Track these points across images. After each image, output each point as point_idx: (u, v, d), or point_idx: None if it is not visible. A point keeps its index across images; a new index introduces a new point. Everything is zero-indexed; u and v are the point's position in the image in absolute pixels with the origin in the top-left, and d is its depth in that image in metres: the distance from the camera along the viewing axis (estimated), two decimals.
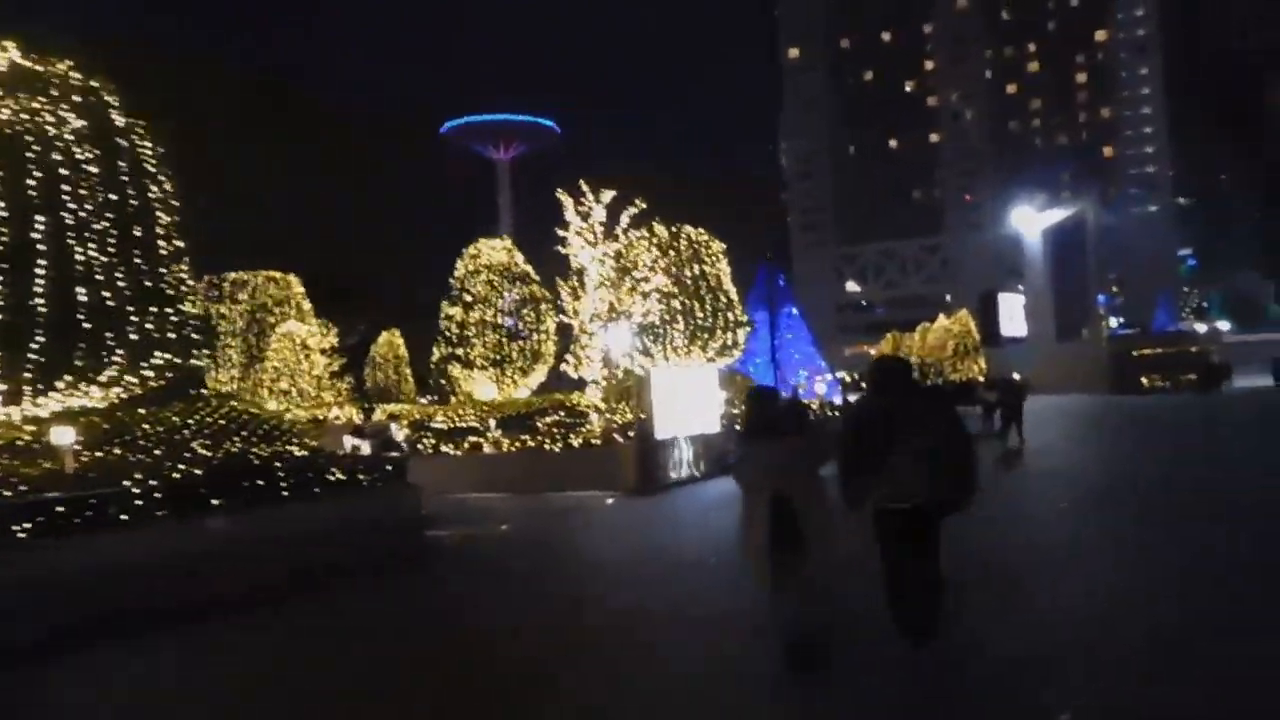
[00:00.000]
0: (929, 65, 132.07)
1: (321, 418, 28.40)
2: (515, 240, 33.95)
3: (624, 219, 23.37)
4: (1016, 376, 34.93)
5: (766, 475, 5.96)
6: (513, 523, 15.67)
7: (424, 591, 10.53)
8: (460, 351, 31.33)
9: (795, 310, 47.53)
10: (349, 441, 15.57)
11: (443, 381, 31.11)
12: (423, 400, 32.43)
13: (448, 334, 31.48)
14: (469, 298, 31.82)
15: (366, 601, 9.94)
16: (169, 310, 13.15)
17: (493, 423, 20.96)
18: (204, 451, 11.79)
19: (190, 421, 12.71)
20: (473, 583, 10.99)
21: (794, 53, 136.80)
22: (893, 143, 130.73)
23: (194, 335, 13.96)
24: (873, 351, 74.58)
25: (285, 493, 11.39)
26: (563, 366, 25.87)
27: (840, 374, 77.44)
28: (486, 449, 20.41)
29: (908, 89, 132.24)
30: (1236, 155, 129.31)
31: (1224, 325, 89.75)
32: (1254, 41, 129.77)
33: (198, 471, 10.92)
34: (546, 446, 19.55)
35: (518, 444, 20.01)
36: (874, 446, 5.69)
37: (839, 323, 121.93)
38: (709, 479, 19.55)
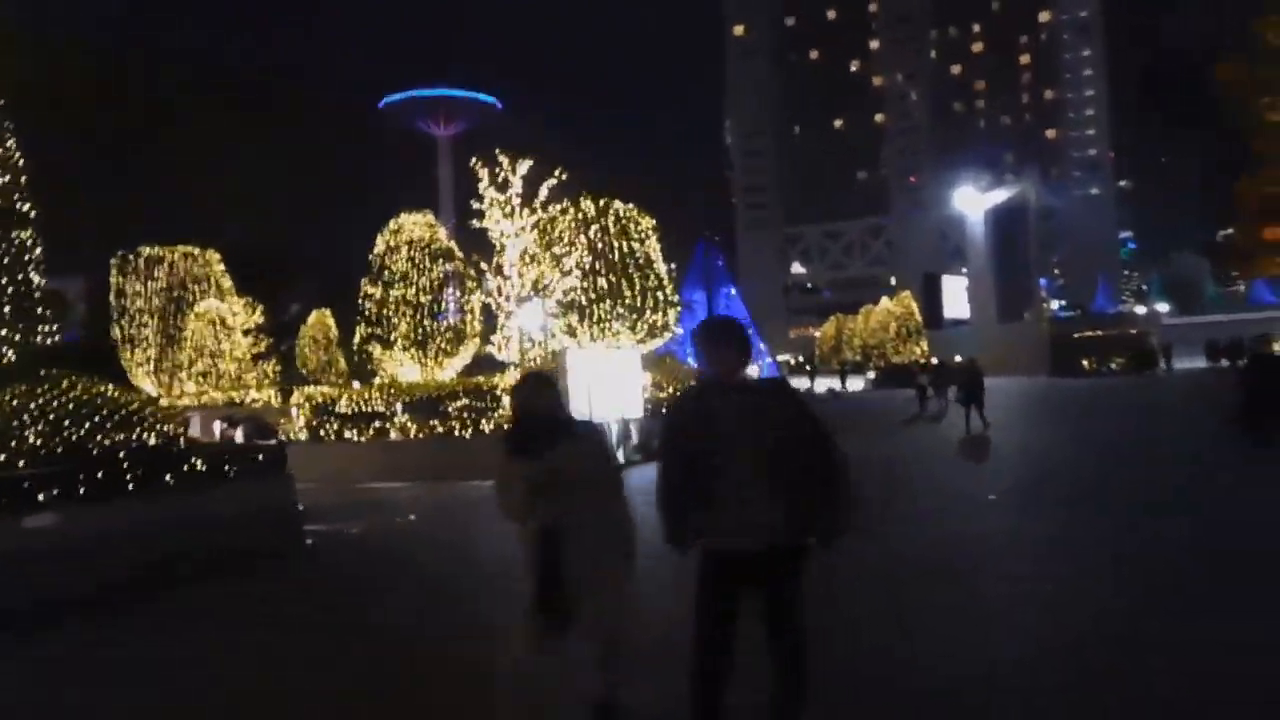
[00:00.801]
0: (874, 45, 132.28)
1: (238, 400, 26.97)
2: (456, 219, 32.73)
3: (543, 191, 22.18)
4: (966, 358, 34.60)
5: (533, 498, 4.26)
6: (407, 514, 14.53)
7: (267, 597, 9.37)
8: (380, 332, 30.23)
9: (734, 291, 46.89)
10: (218, 428, 14.28)
11: (366, 363, 30.21)
12: (356, 384, 31.59)
13: (367, 313, 30.33)
14: (388, 275, 30.59)
15: (196, 612, 8.74)
16: (4, 280, 11.73)
17: (399, 407, 19.70)
18: (35, 440, 10.45)
19: (32, 406, 11.34)
20: (330, 585, 9.86)
21: (739, 30, 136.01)
22: (838, 123, 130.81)
23: (40, 310, 12.56)
24: (816, 334, 74.73)
25: (130, 485, 10.13)
26: (487, 348, 24.75)
27: (783, 357, 77.45)
28: (393, 435, 19.18)
29: (853, 69, 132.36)
30: (1177, 138, 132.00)
31: (1163, 308, 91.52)
32: (1196, 25, 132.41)
33: (21, 464, 9.60)
34: (457, 433, 18.38)
35: (425, 430, 18.81)
36: (697, 462, 3.94)
37: (785, 305, 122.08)
38: (630, 466, 18.55)
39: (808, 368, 60.70)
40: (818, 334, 71.86)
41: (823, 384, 49.87)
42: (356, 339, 29.65)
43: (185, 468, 10.88)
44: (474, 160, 21.71)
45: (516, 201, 22.41)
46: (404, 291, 29.38)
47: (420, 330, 29.20)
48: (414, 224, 30.80)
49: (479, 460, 17.77)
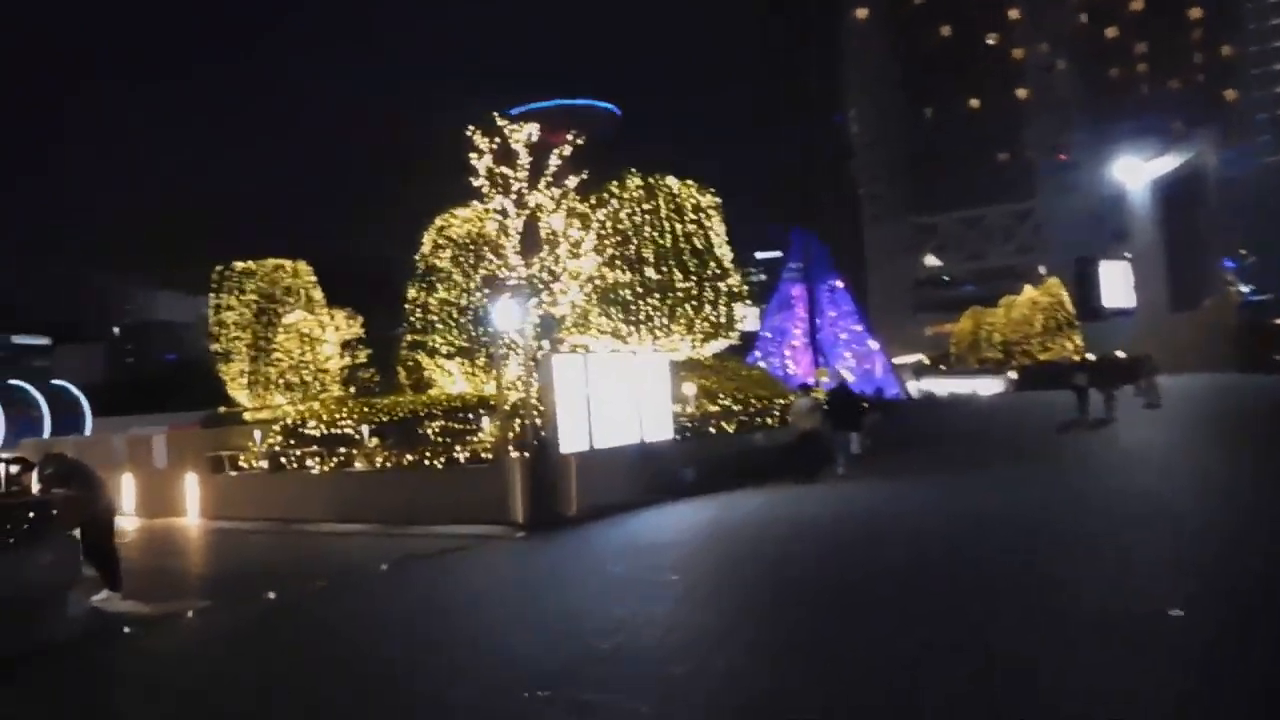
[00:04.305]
0: (1013, 15, 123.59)
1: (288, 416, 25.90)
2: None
3: (552, 161, 18.46)
4: (1121, 355, 29.61)
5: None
6: (316, 583, 11.05)
7: None
8: (425, 339, 27.97)
9: (839, 283, 41.99)
10: (4, 471, 11.32)
11: (413, 374, 28.28)
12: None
13: (412, 319, 28.00)
14: (432, 277, 28.17)
15: None
16: None
17: (365, 429, 16.39)
18: None
19: None
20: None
21: (862, 13, 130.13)
22: (973, 102, 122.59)
23: None
24: (951, 330, 68.34)
25: None
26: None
27: (912, 357, 71.34)
28: (358, 464, 15.84)
29: (989, 43, 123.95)
30: None
31: None
32: None
33: None
34: (428, 462, 14.87)
35: (393, 459, 15.38)
36: None
37: (916, 300, 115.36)
38: (647, 507, 14.60)
39: (941, 367, 55.15)
40: (952, 330, 65.86)
41: (956, 385, 44.48)
42: (403, 346, 27.62)
43: None
44: (471, 129, 18.24)
45: (524, 177, 18.74)
46: (448, 294, 26.84)
47: (466, 336, 26.58)
48: (461, 220, 27.91)
49: (450, 498, 14.29)
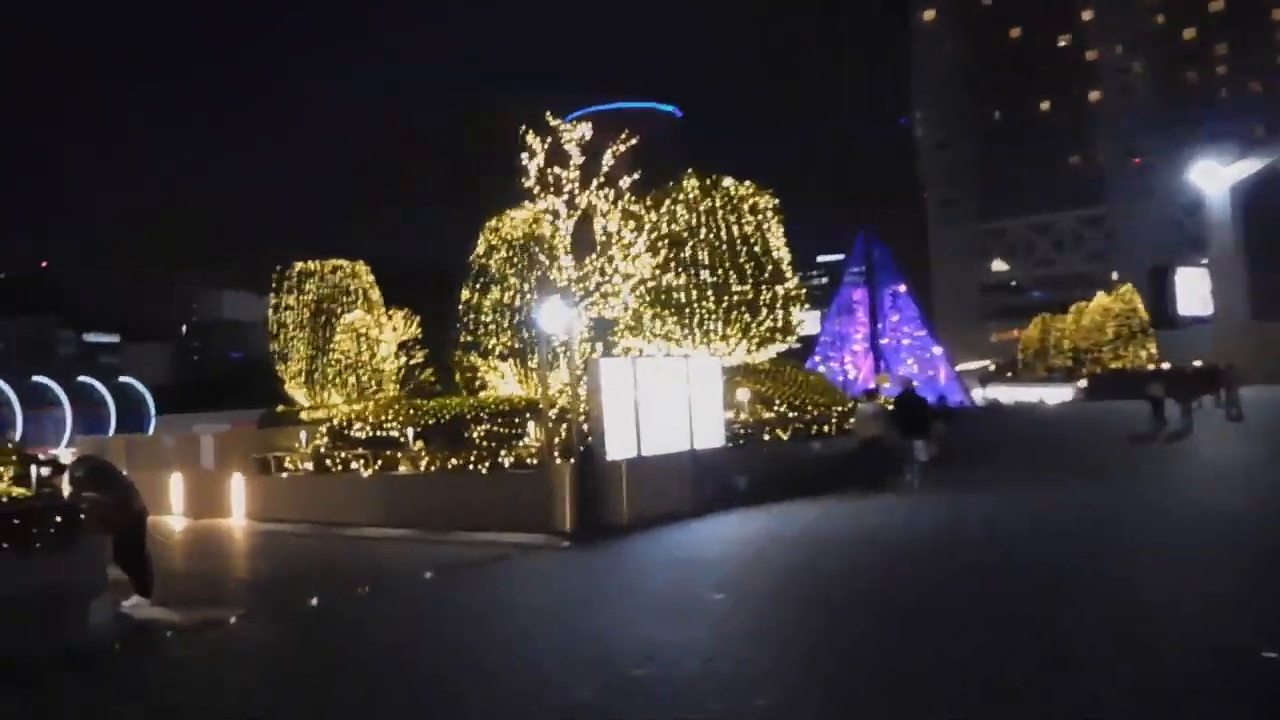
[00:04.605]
0: (1085, 16, 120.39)
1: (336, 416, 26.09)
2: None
3: (606, 161, 18.06)
4: (1198, 364, 28.30)
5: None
6: (361, 588, 10.77)
7: None
8: (478, 340, 27.92)
9: (903, 288, 40.92)
10: (36, 473, 11.15)
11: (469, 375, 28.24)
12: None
13: (465, 321, 27.92)
14: (485, 278, 28.04)
15: None
16: None
17: (410, 432, 16.12)
18: None
19: None
20: None
21: (928, 15, 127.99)
22: (1044, 105, 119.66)
23: None
24: (1018, 336, 66.41)
25: None
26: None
27: (977, 364, 69.55)
28: (402, 468, 15.59)
29: (1060, 44, 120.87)
30: None
31: None
32: None
33: None
34: (472, 466, 14.55)
35: (438, 462, 15.10)
36: None
37: (983, 306, 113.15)
38: (696, 517, 14.08)
39: (1008, 374, 53.64)
40: (1019, 335, 64.15)
41: (1022, 393, 43.08)
42: (458, 350, 27.57)
43: None
44: (523, 128, 17.89)
45: (574, 178, 18.35)
46: (501, 295, 26.74)
47: (519, 339, 26.43)
48: (514, 221, 27.78)
49: (493, 505, 13.94)
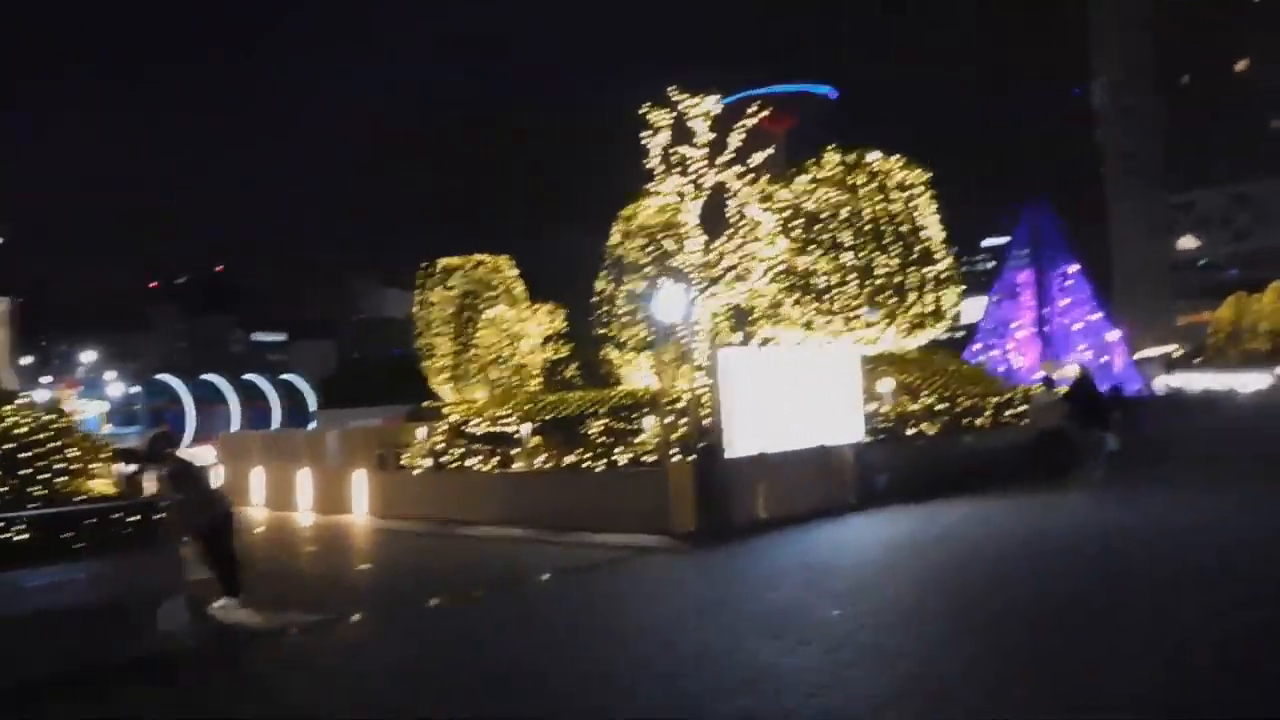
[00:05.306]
0: None
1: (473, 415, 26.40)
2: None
3: (733, 139, 16.87)
4: None
5: None
6: (477, 591, 10.29)
7: None
8: (614, 332, 27.61)
9: (1076, 267, 37.64)
10: (118, 471, 11.03)
11: (605, 369, 28.05)
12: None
13: (601, 313, 27.64)
14: (619, 268, 27.67)
15: None
16: None
17: (526, 428, 15.58)
18: None
19: None
20: None
21: None
22: (1239, 65, 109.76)
23: None
24: (1208, 319, 60.58)
25: None
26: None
27: (1162, 349, 64.10)
28: (517, 465, 15.09)
29: None
30: None
31: None
32: None
33: None
34: (587, 464, 13.87)
35: (553, 459, 14.52)
36: None
37: (1168, 286, 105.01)
38: (829, 518, 12.90)
39: (1195, 361, 49.16)
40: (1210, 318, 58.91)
41: (1210, 380, 39.31)
42: (600, 344, 27.22)
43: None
44: (644, 107, 17.01)
45: (702, 156, 17.25)
46: (635, 285, 26.19)
47: (653, 330, 25.85)
48: (655, 209, 27.18)
49: (608, 504, 13.24)
